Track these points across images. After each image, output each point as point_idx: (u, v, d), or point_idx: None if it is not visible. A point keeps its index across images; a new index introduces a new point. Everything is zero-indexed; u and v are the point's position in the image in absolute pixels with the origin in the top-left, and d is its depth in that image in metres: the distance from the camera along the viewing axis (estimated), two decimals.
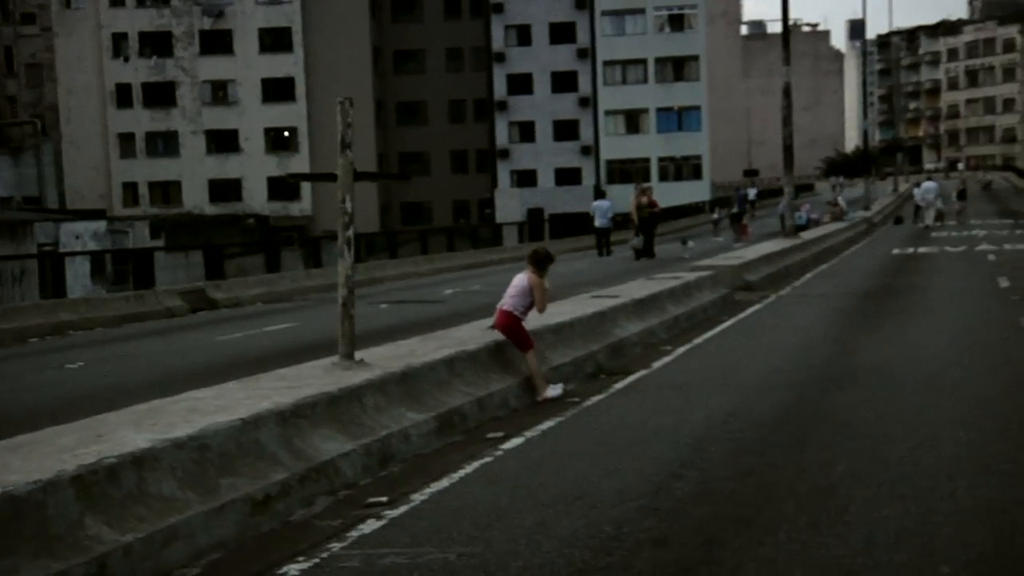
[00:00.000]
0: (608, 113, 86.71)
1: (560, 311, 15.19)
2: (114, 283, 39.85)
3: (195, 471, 6.91)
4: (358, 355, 10.67)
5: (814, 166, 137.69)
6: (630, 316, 16.23)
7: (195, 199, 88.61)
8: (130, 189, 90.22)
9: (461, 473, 8.24)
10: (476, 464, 8.52)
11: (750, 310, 20.08)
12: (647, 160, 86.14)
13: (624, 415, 10.28)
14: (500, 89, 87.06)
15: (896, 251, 35.95)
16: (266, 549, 6.63)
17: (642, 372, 13.16)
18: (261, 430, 7.70)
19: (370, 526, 6.89)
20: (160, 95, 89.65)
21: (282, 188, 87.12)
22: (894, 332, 15.71)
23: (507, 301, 11.77)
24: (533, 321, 13.59)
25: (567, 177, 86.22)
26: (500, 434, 9.70)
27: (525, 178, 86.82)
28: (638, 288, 18.76)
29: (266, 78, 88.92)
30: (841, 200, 58.66)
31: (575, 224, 61.62)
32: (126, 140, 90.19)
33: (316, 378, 9.38)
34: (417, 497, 7.56)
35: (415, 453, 9.13)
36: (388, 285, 31.90)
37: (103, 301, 23.38)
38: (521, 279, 11.83)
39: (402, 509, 7.25)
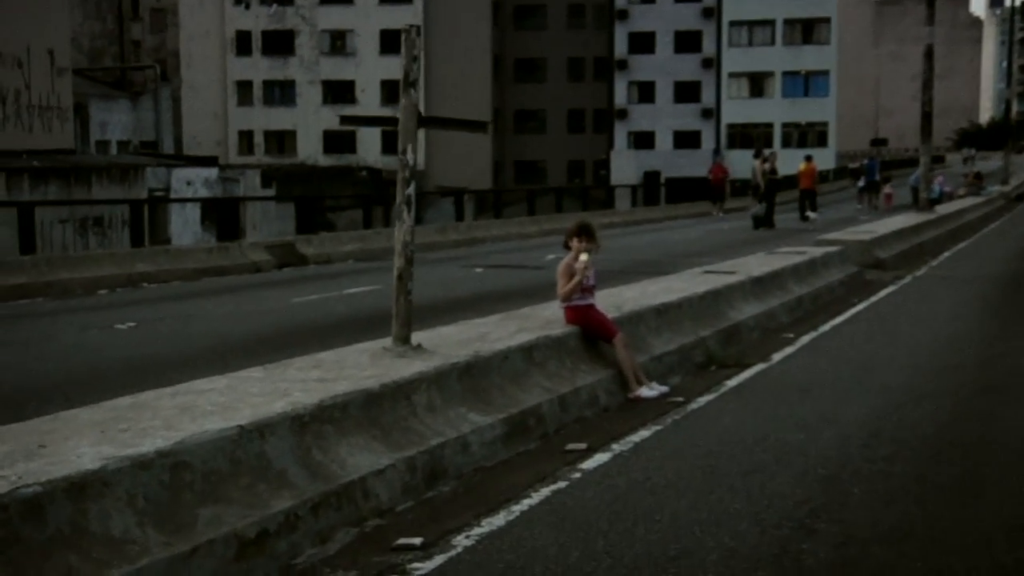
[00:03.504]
0: (732, 75, 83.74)
1: (668, 288, 13.33)
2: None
3: (164, 499, 5.21)
4: (418, 337, 8.92)
5: (945, 136, 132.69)
6: (748, 296, 14.26)
7: (309, 150, 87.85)
8: (246, 137, 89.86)
9: (524, 504, 6.42)
10: (545, 491, 6.70)
11: (883, 292, 17.93)
12: (770, 125, 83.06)
13: (737, 426, 8.37)
14: (621, 47, 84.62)
15: None
16: None
17: (760, 366, 11.22)
18: (268, 440, 5.98)
19: None
20: (279, 43, 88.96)
21: (396, 141, 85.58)
22: None
23: None
24: (635, 301, 11.77)
25: (686, 140, 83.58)
26: (582, 446, 7.87)
27: (642, 140, 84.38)
28: (758, 263, 16.74)
29: (385, 29, 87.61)
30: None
31: (693, 188, 59.27)
32: (244, 88, 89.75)
33: (358, 367, 7.64)
34: (460, 541, 5.76)
35: (475, 466, 7.36)
36: (489, 246, 30.18)
37: (184, 252, 21.97)
38: (560, 265, 10.02)
39: (437, 561, 5.46)
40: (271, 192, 50.39)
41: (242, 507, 5.54)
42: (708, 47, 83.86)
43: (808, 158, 41.41)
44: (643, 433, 8.24)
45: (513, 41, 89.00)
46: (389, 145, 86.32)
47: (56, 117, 42.18)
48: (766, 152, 37.79)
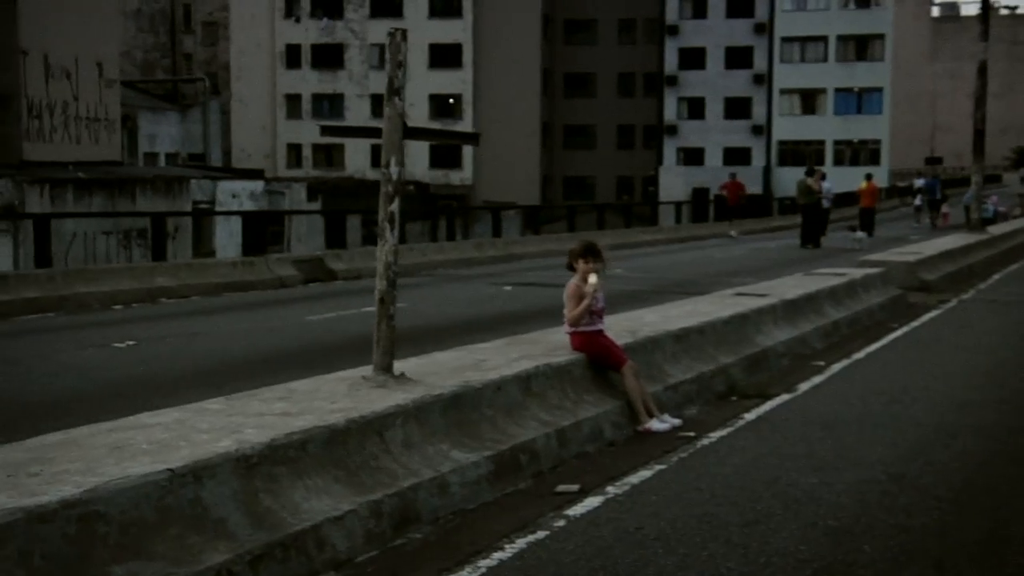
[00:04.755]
0: (783, 92, 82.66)
1: (693, 311, 12.65)
2: (270, 244, 38.71)
3: (68, 556, 4.62)
4: (410, 364, 8.36)
5: (1003, 156, 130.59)
6: (778, 320, 13.54)
7: (357, 163, 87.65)
8: (294, 150, 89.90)
9: (494, 559, 5.78)
10: (522, 542, 6.05)
11: (926, 317, 17.12)
12: (822, 143, 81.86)
13: (748, 467, 7.68)
14: (671, 63, 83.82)
15: None
16: None
17: (784, 396, 10.50)
18: (205, 484, 5.38)
19: None
20: (328, 57, 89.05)
21: (443, 156, 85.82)
22: None
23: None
24: (654, 325, 11.10)
25: (736, 157, 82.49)
26: (574, 487, 7.21)
27: (692, 156, 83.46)
28: (793, 285, 16.00)
29: (434, 43, 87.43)
30: None
31: (744, 206, 58.33)
32: (293, 101, 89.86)
33: (330, 399, 7.04)
34: None
35: (454, 509, 6.73)
36: (527, 263, 29.55)
37: (207, 267, 21.49)
38: (567, 288, 9.37)
39: None
40: (317, 205, 50.15)
41: (166, 563, 4.95)
42: (759, 63, 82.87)
43: (868, 176, 42.66)
44: (643, 473, 7.57)
45: (563, 55, 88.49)
46: (436, 160, 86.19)
47: (104, 128, 42.11)
48: (814, 171, 36.93)
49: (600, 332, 9.34)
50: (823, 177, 36.35)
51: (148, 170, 46.82)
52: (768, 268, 24.63)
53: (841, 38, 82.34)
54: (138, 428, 6.07)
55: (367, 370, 7.81)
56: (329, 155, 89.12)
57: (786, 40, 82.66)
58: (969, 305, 18.91)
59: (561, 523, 6.41)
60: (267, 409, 6.69)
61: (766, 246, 36.11)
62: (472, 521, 6.55)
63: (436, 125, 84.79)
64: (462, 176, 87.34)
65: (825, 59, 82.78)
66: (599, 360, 9.24)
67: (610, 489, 7.16)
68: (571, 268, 9.40)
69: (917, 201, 51.53)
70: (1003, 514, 6.51)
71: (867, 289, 17.64)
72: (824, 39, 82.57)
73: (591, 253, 9.35)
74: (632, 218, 46.11)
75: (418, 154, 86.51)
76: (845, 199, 52.66)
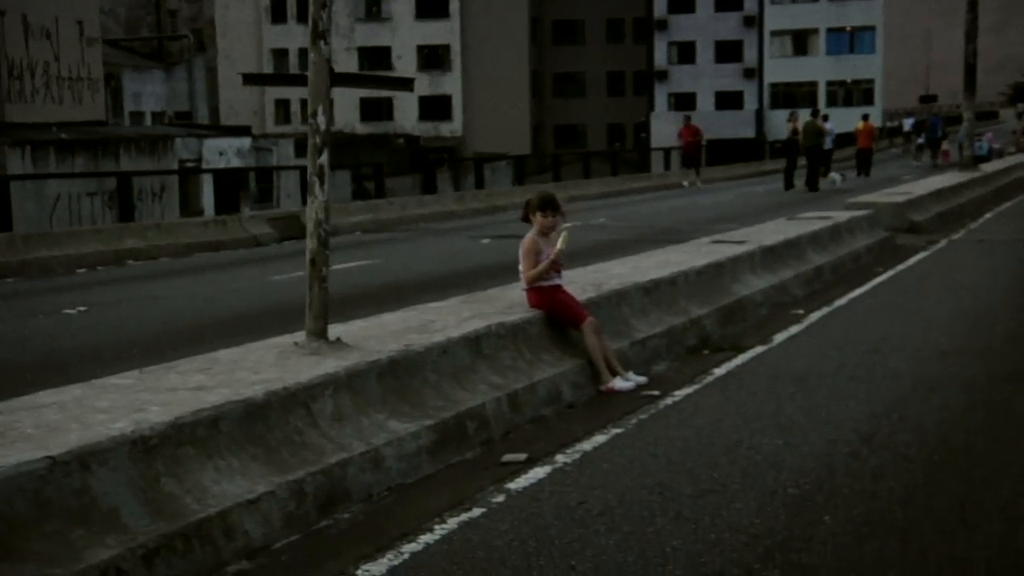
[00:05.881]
0: (774, 33, 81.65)
1: (666, 261, 12.14)
2: (259, 201, 38.21)
3: None
4: (354, 327, 7.87)
5: (998, 92, 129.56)
6: (756, 268, 13.03)
7: (346, 118, 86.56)
8: (282, 106, 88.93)
9: (421, 542, 5.28)
10: (453, 522, 5.55)
11: (913, 259, 16.62)
12: (814, 84, 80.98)
13: (710, 429, 7.19)
14: (660, 7, 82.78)
15: None
16: None
17: (758, 349, 10.01)
18: (94, 472, 4.87)
19: None
20: None
21: (433, 108, 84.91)
22: None
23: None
24: (622, 278, 10.58)
25: (728, 101, 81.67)
26: (521, 457, 6.72)
27: (683, 101, 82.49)
28: (774, 231, 15.47)
29: None
30: None
31: (735, 150, 57.69)
32: (279, 56, 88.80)
33: (254, 369, 6.53)
34: None
35: (391, 485, 6.24)
36: (511, 214, 28.81)
37: (177, 227, 20.92)
38: (523, 243, 8.85)
39: None
40: (304, 161, 49.49)
41: (42, 563, 4.45)
42: (750, 5, 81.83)
43: (865, 117, 44.23)
44: (598, 439, 7.08)
45: (551, 2, 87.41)
46: (426, 112, 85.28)
47: (86, 88, 41.39)
48: (818, 112, 36.67)
49: (558, 287, 8.82)
50: (826, 119, 36.39)
51: (132, 129, 46.14)
52: (754, 213, 24.09)
53: None
54: (29, 409, 5.56)
55: (298, 336, 7.30)
56: None
57: None
58: (959, 246, 18.41)
59: (500, 498, 5.92)
60: (182, 383, 6.17)
61: (754, 190, 35.59)
62: (407, 498, 6.06)
63: (425, 77, 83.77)
64: (452, 128, 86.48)
65: None
66: (558, 317, 8.74)
67: (559, 458, 6.67)
68: (527, 220, 8.88)
69: (920, 140, 51.33)
70: (978, 475, 6.01)
71: (852, 232, 17.12)
72: None
73: (549, 206, 8.85)
74: (621, 165, 45.44)
75: (408, 107, 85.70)
76: (840, 140, 52.13)
